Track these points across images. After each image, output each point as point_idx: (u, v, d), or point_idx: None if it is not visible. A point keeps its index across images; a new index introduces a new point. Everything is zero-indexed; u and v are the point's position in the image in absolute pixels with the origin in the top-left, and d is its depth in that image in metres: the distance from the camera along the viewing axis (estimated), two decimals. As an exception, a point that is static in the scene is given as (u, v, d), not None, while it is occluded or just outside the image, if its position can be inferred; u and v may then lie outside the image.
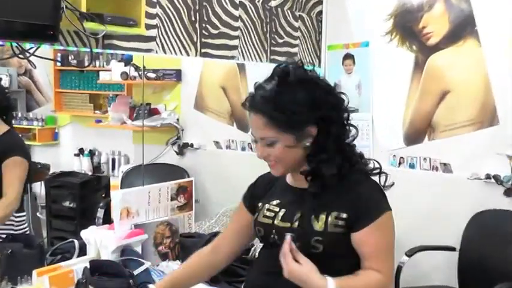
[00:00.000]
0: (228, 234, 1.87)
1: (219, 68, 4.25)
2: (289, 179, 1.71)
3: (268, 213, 1.67)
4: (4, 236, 2.49)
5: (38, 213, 3.95)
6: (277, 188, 1.73)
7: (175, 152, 4.47)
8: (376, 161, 1.71)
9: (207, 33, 2.86)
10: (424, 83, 3.22)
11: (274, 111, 1.53)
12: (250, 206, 1.79)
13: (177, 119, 4.46)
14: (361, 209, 1.54)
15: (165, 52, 2.66)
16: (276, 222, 1.64)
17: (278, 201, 1.69)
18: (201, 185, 4.35)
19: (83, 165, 4.69)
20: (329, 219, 1.55)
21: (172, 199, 2.74)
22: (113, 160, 4.81)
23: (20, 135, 2.83)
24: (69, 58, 5.01)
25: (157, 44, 2.62)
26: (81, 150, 4.82)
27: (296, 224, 1.59)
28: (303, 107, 1.52)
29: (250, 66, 3.95)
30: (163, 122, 4.41)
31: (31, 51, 2.04)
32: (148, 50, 2.59)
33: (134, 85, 4.64)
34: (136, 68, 4.52)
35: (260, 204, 1.72)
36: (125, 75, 4.55)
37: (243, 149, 4.12)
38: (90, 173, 4.49)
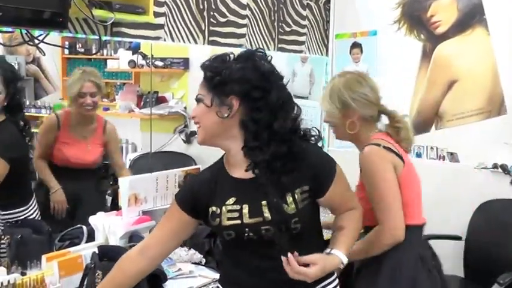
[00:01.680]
0: (159, 236, 1.76)
1: (227, 54, 4.26)
2: (236, 173, 1.66)
3: (231, 215, 1.62)
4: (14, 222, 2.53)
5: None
6: (224, 186, 1.67)
7: (183, 140, 4.49)
8: (316, 128, 1.73)
9: (215, 21, 2.87)
10: (431, 72, 3.21)
11: (208, 70, 1.61)
12: (193, 211, 1.69)
13: (185, 107, 4.47)
14: (319, 176, 1.63)
15: (173, 40, 2.67)
16: (245, 220, 1.60)
17: (234, 198, 1.63)
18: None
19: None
20: (296, 196, 1.58)
21: (179, 186, 2.74)
22: (121, 148, 4.83)
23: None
24: (77, 46, 5.03)
25: (166, 32, 2.62)
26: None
27: (268, 215, 1.58)
28: (230, 75, 1.54)
29: (258, 55, 3.97)
30: (171, 110, 4.43)
31: (40, 38, 2.06)
32: (157, 38, 2.59)
33: (142, 73, 4.67)
34: (144, 57, 4.53)
35: (215, 208, 1.64)
36: (132, 64, 4.56)
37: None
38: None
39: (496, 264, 2.76)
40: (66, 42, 4.98)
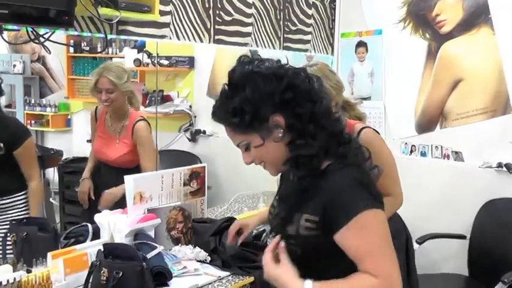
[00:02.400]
0: None
1: (232, 55, 4.23)
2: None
3: (271, 209, 1.67)
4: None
5: (51, 199, 3.99)
6: (283, 178, 1.68)
7: (188, 138, 4.48)
8: (367, 149, 1.53)
9: (220, 20, 2.86)
10: (436, 71, 3.20)
11: (229, 117, 1.45)
12: None
13: (190, 106, 4.46)
14: (331, 212, 1.38)
15: (178, 39, 2.66)
16: (271, 219, 1.65)
17: (277, 196, 1.67)
18: (213, 171, 4.36)
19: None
20: (300, 222, 1.44)
21: (185, 184, 2.73)
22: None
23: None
24: (82, 45, 5.02)
25: (171, 31, 2.62)
26: (94, 137, 4.87)
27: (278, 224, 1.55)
28: (252, 103, 1.41)
29: (263, 53, 3.95)
30: (176, 108, 4.42)
31: (46, 36, 2.06)
32: (162, 37, 2.59)
33: (147, 72, 4.65)
34: (149, 55, 4.53)
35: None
36: (137, 62, 4.55)
37: (255, 135, 4.11)
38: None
39: (500, 263, 2.75)
40: (71, 41, 4.98)
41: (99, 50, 4.94)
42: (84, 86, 5.34)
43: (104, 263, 2.08)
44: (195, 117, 4.47)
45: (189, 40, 2.71)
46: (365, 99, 3.53)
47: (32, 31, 2.02)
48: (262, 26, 3.12)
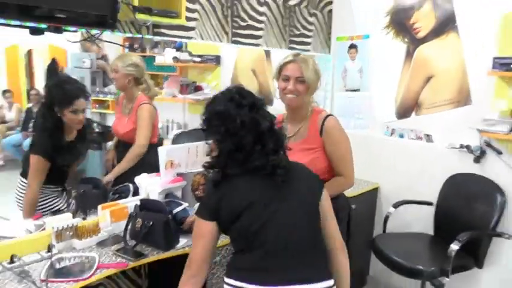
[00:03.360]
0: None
1: (250, 54, 4.26)
2: None
3: None
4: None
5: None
6: None
7: (215, 121, 4.54)
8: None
9: (237, 25, 2.89)
10: (413, 68, 3.17)
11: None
12: None
13: (217, 95, 4.52)
14: None
15: (202, 39, 2.69)
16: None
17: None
18: (234, 148, 4.44)
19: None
20: None
21: (207, 155, 2.78)
22: (167, 126, 4.91)
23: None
24: (134, 46, 5.10)
25: (196, 33, 2.65)
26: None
27: None
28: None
29: (275, 53, 3.96)
30: (205, 96, 4.46)
31: (97, 36, 2.11)
32: (189, 38, 2.62)
33: (184, 67, 4.71)
34: (189, 54, 4.58)
35: None
36: (175, 59, 4.61)
37: (267, 119, 4.14)
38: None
39: (458, 225, 2.75)
40: (127, 43, 5.05)
41: (147, 50, 5.03)
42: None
43: (139, 214, 2.16)
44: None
45: (212, 40, 2.74)
46: (355, 90, 3.54)
47: (86, 32, 2.09)
48: (271, 30, 3.12)
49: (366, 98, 3.45)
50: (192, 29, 2.61)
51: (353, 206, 2.37)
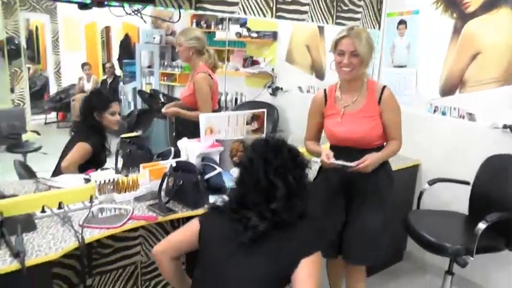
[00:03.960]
0: None
1: (305, 30, 4.10)
2: None
3: None
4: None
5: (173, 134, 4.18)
6: None
7: (270, 93, 4.47)
8: None
9: (281, 0, 2.73)
10: (459, 45, 2.83)
11: None
12: None
13: (272, 69, 4.43)
14: None
15: (245, 14, 2.57)
16: None
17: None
18: (286, 119, 4.35)
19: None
20: None
21: (247, 124, 2.73)
22: (236, 98, 4.92)
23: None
24: (201, 22, 5.13)
25: (239, 8, 2.53)
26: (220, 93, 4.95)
27: None
28: None
29: (328, 29, 3.78)
30: (261, 70, 4.40)
31: (141, 11, 2.11)
32: (232, 12, 2.51)
33: (246, 42, 4.66)
34: (248, 30, 4.52)
35: None
36: (238, 34, 4.57)
37: (318, 93, 4.00)
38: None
39: (492, 206, 2.46)
40: (194, 20, 5.09)
41: (212, 26, 5.03)
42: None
43: (172, 174, 2.17)
44: (276, 77, 4.42)
45: (254, 15, 2.62)
46: (402, 67, 3.28)
47: (129, 6, 2.08)
48: (317, 5, 2.94)
49: (412, 75, 3.18)
50: (235, 3, 2.51)
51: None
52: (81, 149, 2.44)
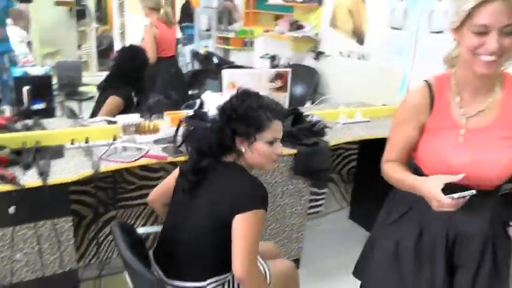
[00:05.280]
0: None
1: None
2: None
3: None
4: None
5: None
6: None
7: (313, 57, 4.49)
8: None
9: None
10: None
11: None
12: None
13: (316, 34, 4.43)
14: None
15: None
16: None
17: None
18: (327, 82, 4.37)
19: (264, 65, 4.91)
20: None
21: (271, 81, 2.83)
22: (289, 63, 4.95)
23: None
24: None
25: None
26: (269, 55, 5.02)
27: None
28: None
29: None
30: (304, 34, 4.42)
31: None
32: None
33: (293, 7, 4.67)
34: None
35: None
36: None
37: (359, 58, 3.96)
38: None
39: None
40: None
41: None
42: (261, 17, 5.57)
43: (187, 120, 2.36)
44: (319, 41, 4.43)
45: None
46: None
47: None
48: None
49: None
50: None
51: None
52: (113, 102, 2.69)
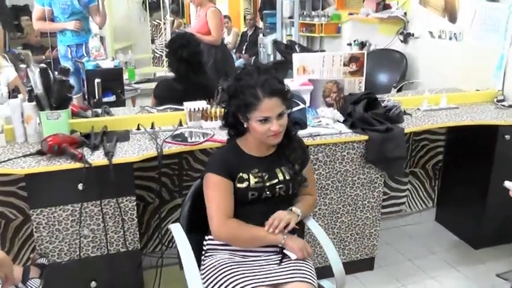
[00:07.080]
0: (228, 205, 1.69)
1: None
2: (255, 152, 1.74)
3: (257, 179, 1.69)
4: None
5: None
6: (245, 161, 1.72)
7: (400, 40, 4.31)
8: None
9: None
10: None
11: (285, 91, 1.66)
12: (229, 176, 1.68)
13: (405, 13, 4.24)
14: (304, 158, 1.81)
15: None
16: (267, 183, 1.70)
17: (256, 169, 1.70)
18: (416, 68, 4.16)
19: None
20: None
21: (345, 65, 2.78)
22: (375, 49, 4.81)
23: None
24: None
25: None
26: (358, 41, 4.88)
27: (281, 177, 1.73)
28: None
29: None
30: (391, 14, 4.24)
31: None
32: None
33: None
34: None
35: (244, 174, 1.68)
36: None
37: (450, 38, 3.73)
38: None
39: None
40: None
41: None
42: (349, 1, 5.47)
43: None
44: (408, 22, 4.24)
45: None
46: None
47: None
48: None
49: None
50: None
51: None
52: None
